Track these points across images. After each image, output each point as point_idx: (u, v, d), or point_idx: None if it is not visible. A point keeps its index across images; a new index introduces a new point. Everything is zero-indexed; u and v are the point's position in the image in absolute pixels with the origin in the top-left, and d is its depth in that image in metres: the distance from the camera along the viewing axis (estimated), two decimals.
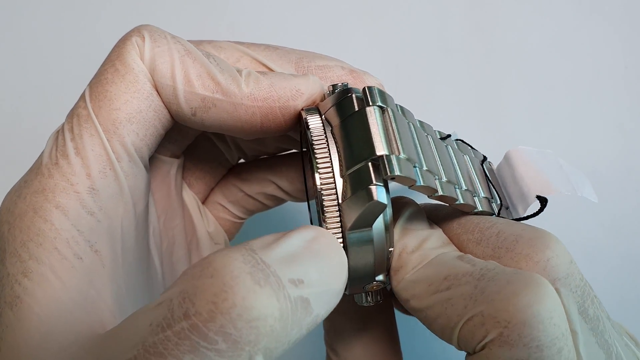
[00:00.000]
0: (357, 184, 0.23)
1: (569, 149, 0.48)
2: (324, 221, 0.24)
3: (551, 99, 0.49)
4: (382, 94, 0.25)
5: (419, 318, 0.25)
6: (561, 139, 0.48)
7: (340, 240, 0.24)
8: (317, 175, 0.24)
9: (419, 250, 0.25)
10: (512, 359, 0.21)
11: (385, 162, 0.23)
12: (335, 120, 0.25)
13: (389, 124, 0.24)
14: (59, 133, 0.25)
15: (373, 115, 0.24)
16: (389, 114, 0.25)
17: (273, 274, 0.20)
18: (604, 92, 0.49)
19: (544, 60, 0.50)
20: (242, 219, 0.35)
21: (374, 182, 0.23)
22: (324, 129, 0.25)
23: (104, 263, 0.24)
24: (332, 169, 0.24)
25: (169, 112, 0.26)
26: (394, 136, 0.24)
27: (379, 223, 0.24)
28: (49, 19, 0.48)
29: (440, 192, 0.25)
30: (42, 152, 0.25)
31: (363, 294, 0.27)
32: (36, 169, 0.24)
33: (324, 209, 0.24)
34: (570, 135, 0.48)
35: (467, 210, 0.27)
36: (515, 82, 0.49)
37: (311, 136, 0.25)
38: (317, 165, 0.24)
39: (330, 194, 0.24)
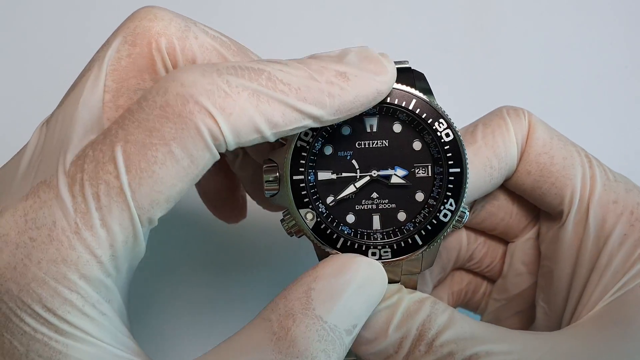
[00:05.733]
0: None
1: None
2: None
3: (551, 99, 0.49)
4: None
5: None
6: None
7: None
8: None
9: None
10: None
11: None
12: None
13: None
14: (75, 183, 0.23)
15: None
16: None
17: (338, 337, 0.25)
18: (604, 92, 0.49)
19: (543, 60, 0.50)
20: None
21: None
22: None
23: (115, 309, 0.25)
24: None
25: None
26: None
27: None
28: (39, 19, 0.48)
29: None
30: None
31: None
32: (49, 228, 0.23)
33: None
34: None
35: None
36: (515, 82, 0.49)
37: None
38: None
39: None
